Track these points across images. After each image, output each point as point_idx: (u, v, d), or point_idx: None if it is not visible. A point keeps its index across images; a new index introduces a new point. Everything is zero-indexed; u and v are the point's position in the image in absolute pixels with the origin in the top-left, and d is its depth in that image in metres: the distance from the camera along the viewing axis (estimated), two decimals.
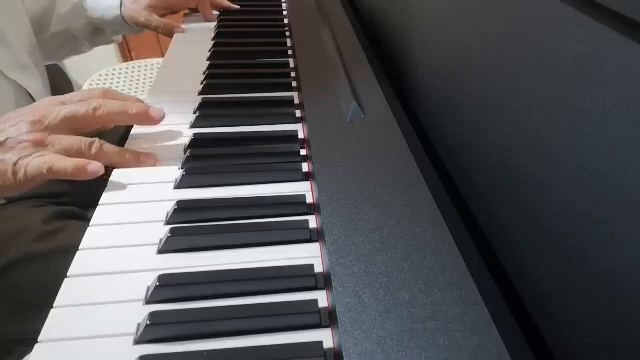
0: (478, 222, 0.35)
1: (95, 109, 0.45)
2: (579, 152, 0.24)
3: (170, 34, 0.77)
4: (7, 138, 0.42)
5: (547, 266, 0.27)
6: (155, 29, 0.78)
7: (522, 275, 0.30)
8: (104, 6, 0.78)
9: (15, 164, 0.41)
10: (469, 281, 0.28)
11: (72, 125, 0.44)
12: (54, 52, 0.82)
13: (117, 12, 0.78)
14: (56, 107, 0.44)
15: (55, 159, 0.41)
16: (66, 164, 0.41)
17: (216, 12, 0.85)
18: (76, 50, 0.85)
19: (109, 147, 0.45)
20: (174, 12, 0.83)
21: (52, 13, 0.76)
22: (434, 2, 0.43)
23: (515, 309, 0.27)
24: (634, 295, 0.21)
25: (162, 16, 0.79)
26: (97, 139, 0.44)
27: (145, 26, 0.78)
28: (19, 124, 0.43)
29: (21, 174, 0.41)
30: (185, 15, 0.85)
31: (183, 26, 0.79)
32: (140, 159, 0.46)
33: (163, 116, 0.49)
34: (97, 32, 0.83)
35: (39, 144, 0.42)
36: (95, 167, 0.42)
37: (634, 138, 0.20)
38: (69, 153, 0.43)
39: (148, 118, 0.48)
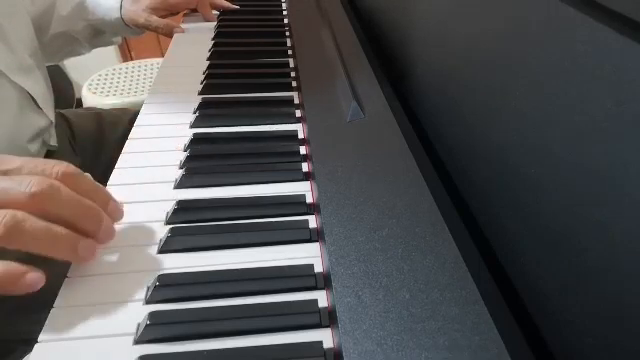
0: (478, 222, 0.35)
1: (33, 195, 0.30)
2: (579, 152, 0.24)
3: (170, 35, 0.78)
4: None
5: (547, 266, 0.27)
6: (155, 30, 0.78)
7: (522, 275, 0.30)
8: (104, 8, 0.78)
9: None
10: (469, 281, 0.27)
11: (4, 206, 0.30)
12: (53, 54, 0.82)
13: (117, 14, 0.78)
14: None
15: None
16: None
17: (216, 12, 0.85)
18: (75, 52, 0.85)
19: (34, 223, 0.30)
20: (174, 13, 0.83)
21: (52, 15, 0.76)
22: (434, 2, 0.43)
23: (515, 309, 0.27)
24: (634, 295, 0.21)
25: (162, 17, 0.79)
26: (14, 213, 0.30)
27: (145, 27, 0.78)
28: None
29: None
30: (185, 15, 0.85)
31: (183, 26, 0.80)
32: (78, 251, 0.33)
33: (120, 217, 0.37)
34: (97, 34, 0.83)
35: None
36: (34, 279, 0.30)
37: (634, 138, 0.20)
38: None
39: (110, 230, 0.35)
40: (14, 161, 0.33)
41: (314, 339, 0.30)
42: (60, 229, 0.32)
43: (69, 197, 0.32)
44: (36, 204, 0.31)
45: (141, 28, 0.79)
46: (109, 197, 0.36)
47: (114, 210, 0.36)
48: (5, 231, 0.29)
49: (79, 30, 0.79)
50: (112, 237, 0.35)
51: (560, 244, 0.26)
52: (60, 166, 0.34)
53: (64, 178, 0.33)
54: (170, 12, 0.82)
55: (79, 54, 0.86)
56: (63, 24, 0.77)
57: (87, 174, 0.36)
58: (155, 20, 0.77)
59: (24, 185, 0.31)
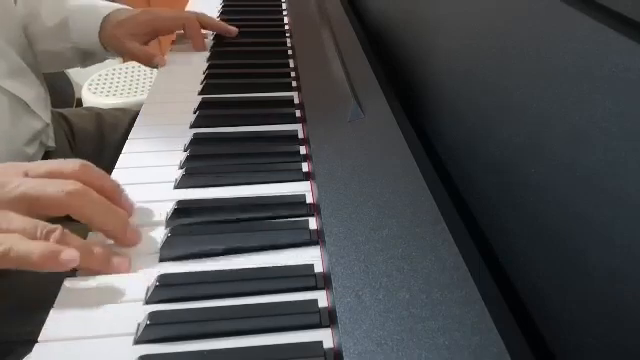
0: (478, 222, 0.35)
1: (70, 193, 0.34)
2: (579, 152, 0.24)
3: (150, 65, 0.72)
4: None
5: (547, 266, 0.27)
6: (138, 60, 0.72)
7: (522, 275, 0.30)
8: (87, 31, 0.72)
9: None
10: (469, 281, 0.27)
11: (31, 207, 0.34)
12: (47, 66, 0.77)
13: (96, 39, 0.72)
14: (15, 179, 0.34)
15: (14, 241, 0.32)
16: (30, 248, 0.32)
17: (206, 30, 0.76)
18: (70, 66, 0.81)
19: (74, 240, 0.34)
20: (156, 36, 0.76)
21: (37, 16, 0.71)
22: (434, 3, 0.43)
23: (515, 309, 0.27)
24: (634, 295, 0.21)
25: (145, 43, 0.73)
26: (60, 227, 0.34)
27: (128, 55, 0.73)
28: None
29: None
30: (173, 43, 0.77)
31: (167, 57, 0.71)
32: (112, 263, 0.35)
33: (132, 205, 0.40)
34: (87, 55, 0.77)
35: None
36: (70, 255, 0.32)
37: (634, 138, 0.20)
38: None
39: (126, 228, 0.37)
40: (30, 164, 0.36)
41: (314, 339, 0.30)
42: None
43: (100, 200, 0.36)
44: (73, 202, 0.34)
45: (125, 55, 0.74)
46: (120, 187, 0.39)
47: (127, 200, 0.40)
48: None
49: (65, 52, 0.74)
50: (139, 239, 0.38)
51: (560, 244, 0.26)
52: (75, 161, 0.37)
53: (82, 169, 0.37)
54: (153, 37, 0.74)
55: (74, 67, 0.82)
56: (49, 41, 0.72)
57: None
58: (136, 48, 0.71)
59: (59, 185, 0.34)
